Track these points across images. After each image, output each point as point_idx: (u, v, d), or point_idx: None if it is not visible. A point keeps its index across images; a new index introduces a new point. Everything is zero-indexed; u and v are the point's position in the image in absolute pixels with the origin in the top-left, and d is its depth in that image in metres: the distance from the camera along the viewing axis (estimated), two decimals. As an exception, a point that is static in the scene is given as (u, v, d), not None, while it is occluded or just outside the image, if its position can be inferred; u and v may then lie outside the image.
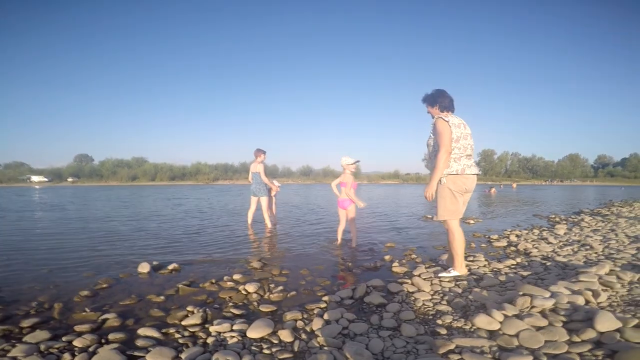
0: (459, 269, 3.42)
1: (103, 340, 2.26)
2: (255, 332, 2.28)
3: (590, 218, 8.54)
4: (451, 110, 3.34)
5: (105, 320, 2.57)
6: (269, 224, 7.24)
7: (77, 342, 2.20)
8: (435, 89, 3.40)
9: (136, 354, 2.06)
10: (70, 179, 60.73)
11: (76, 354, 2.07)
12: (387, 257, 4.49)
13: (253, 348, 2.11)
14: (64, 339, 2.26)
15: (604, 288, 2.81)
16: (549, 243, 5.16)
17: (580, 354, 1.82)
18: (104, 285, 3.39)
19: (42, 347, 2.14)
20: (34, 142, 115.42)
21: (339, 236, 5.41)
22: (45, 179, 59.40)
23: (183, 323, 2.51)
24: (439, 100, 3.32)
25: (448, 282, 3.29)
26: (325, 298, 2.96)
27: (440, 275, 3.41)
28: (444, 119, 3.14)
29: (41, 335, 2.28)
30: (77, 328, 2.43)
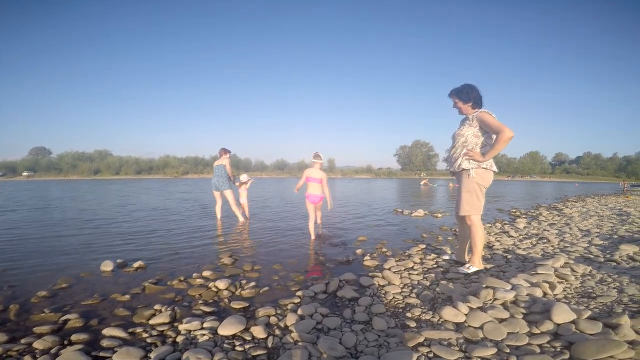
0: (479, 265, 3.42)
1: (65, 342, 2.15)
2: (226, 329, 2.24)
3: (548, 212, 9.09)
4: (481, 106, 3.34)
5: (66, 321, 2.44)
6: (240, 218, 7.14)
7: (38, 344, 2.08)
8: (466, 84, 3.36)
9: (102, 354, 1.98)
10: (25, 173, 56.67)
11: (37, 356, 1.96)
12: (358, 251, 4.56)
13: (225, 345, 2.08)
14: (22, 341, 2.14)
15: (560, 280, 3.01)
16: (510, 236, 5.44)
17: (540, 346, 1.93)
18: (64, 285, 3.20)
19: (0, 350, 2.01)
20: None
21: (312, 231, 5.43)
22: None
23: (150, 322, 2.43)
24: (472, 96, 3.30)
25: (417, 274, 3.39)
26: (299, 293, 2.96)
27: (459, 270, 3.40)
28: (489, 112, 3.20)
29: (-3, 338, 2.14)
30: (37, 330, 2.30)
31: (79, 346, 2.07)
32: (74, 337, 2.19)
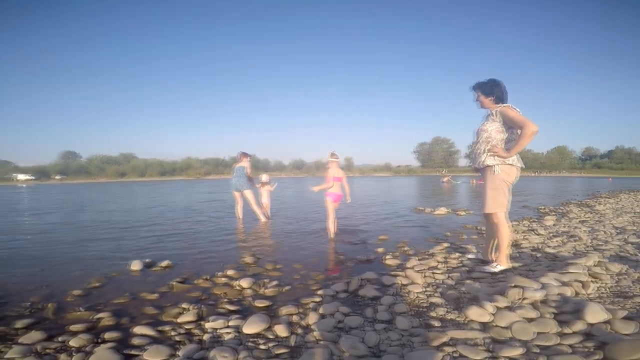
0: (505, 263, 3.34)
1: (98, 340, 2.24)
2: (250, 327, 2.28)
3: (578, 209, 8.72)
4: (505, 101, 3.26)
5: (99, 319, 2.54)
6: (261, 218, 7.23)
7: (73, 342, 2.18)
8: (491, 79, 3.29)
9: (133, 352, 2.05)
10: (57, 177, 59.65)
11: (73, 354, 2.04)
12: (379, 250, 4.53)
13: (249, 344, 2.12)
14: (59, 339, 2.23)
15: (593, 279, 2.88)
16: (538, 234, 5.26)
17: (571, 346, 1.86)
18: (96, 284, 3.35)
19: (38, 347, 2.11)
20: (18, 140, 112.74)
21: (331, 230, 5.43)
22: (32, 177, 58.27)
23: (178, 320, 2.50)
24: (495, 91, 3.24)
25: (440, 274, 3.33)
26: (320, 292, 2.97)
27: (485, 269, 3.33)
28: (513, 107, 3.13)
29: (36, 335, 2.25)
30: (72, 328, 2.40)
31: (111, 344, 2.15)
32: (106, 336, 2.27)
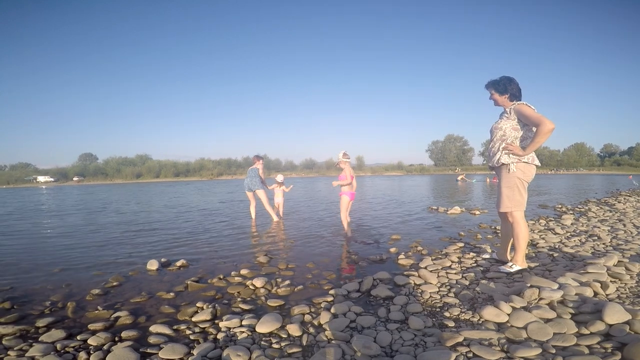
0: (522, 263, 3.28)
1: (116, 338, 2.29)
2: (264, 327, 2.30)
3: (597, 208, 8.48)
4: (519, 99, 3.22)
5: (117, 318, 2.61)
6: (274, 218, 7.29)
7: (92, 341, 2.23)
8: (504, 76, 3.26)
9: (149, 351, 2.09)
10: (75, 178, 61.40)
11: (91, 352, 2.10)
12: (392, 250, 4.50)
13: (262, 343, 2.14)
14: (78, 337, 2.30)
15: (613, 280, 2.80)
16: (555, 234, 5.14)
17: (589, 347, 1.82)
18: (115, 284, 3.43)
19: (58, 346, 2.18)
20: (38, 142, 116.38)
21: (345, 224, 5.52)
22: (51, 179, 60.16)
23: (193, 319, 2.54)
24: (509, 88, 3.20)
25: (455, 274, 3.30)
26: (332, 291, 2.98)
27: (501, 269, 3.29)
28: (528, 104, 3.09)
29: (57, 334, 2.32)
30: (91, 326, 2.47)
31: (129, 343, 2.20)
32: (124, 334, 2.33)
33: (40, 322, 2.54)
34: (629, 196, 11.96)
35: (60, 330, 2.37)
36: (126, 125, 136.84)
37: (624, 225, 5.69)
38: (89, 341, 2.24)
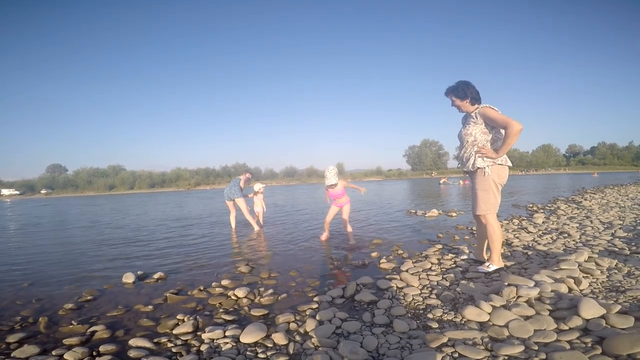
0: (498, 263, 3.37)
1: (94, 353, 2.20)
2: (248, 336, 2.26)
3: (566, 206, 8.88)
4: (480, 101, 3.30)
5: (94, 332, 2.49)
6: (255, 227, 7.20)
7: (68, 356, 2.14)
8: (461, 81, 3.32)
9: (129, 365, 2.01)
10: (43, 191, 58.38)
11: (68, 367, 2.00)
12: (374, 254, 4.54)
13: (248, 353, 2.10)
14: (54, 352, 2.20)
15: (585, 275, 2.93)
16: (529, 232, 5.34)
17: (569, 342, 1.89)
18: (89, 297, 3.28)
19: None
20: (1, 153, 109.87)
21: (327, 228, 5.80)
22: (17, 192, 56.92)
23: (174, 332, 2.46)
24: (468, 92, 3.27)
25: (435, 275, 3.36)
26: (317, 298, 2.96)
27: (479, 269, 3.36)
28: (491, 107, 3.16)
29: (30, 349, 2.22)
30: (66, 341, 2.36)
31: (108, 357, 2.12)
32: (102, 349, 2.23)
33: (11, 338, 2.42)
34: (594, 193, 12.63)
35: (34, 346, 2.26)
36: (98, 135, 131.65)
37: (591, 221, 5.99)
38: (65, 356, 2.14)
